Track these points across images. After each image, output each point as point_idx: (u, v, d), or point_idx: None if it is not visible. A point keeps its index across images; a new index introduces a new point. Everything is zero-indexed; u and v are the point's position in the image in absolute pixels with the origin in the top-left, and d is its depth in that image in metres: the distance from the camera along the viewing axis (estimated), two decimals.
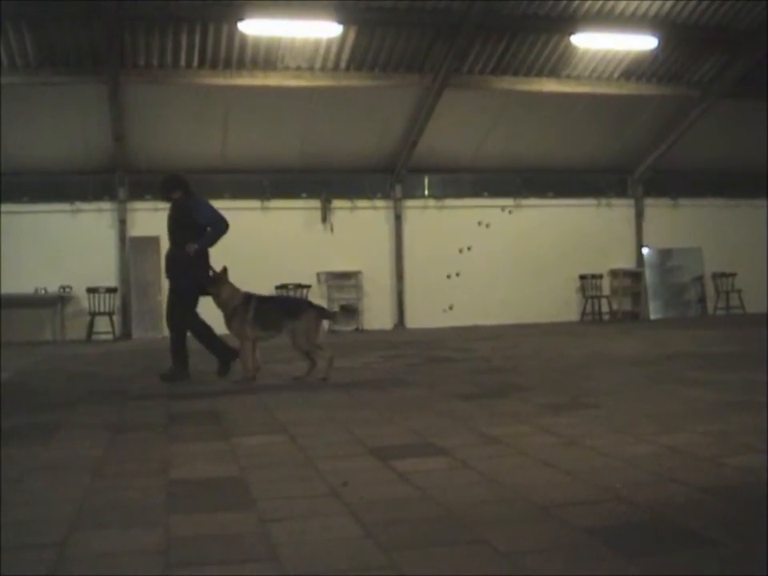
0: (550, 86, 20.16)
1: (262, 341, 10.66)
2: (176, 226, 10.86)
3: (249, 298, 10.52)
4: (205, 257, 10.88)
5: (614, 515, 4.26)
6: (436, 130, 20.58)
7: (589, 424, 6.87)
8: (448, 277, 22.36)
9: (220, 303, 10.57)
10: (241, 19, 17.05)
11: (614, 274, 23.27)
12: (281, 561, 3.71)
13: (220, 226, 10.88)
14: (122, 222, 20.72)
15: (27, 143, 19.09)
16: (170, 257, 10.96)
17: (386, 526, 4.15)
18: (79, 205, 20.26)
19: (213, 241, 10.89)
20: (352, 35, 18.18)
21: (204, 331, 10.84)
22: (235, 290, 10.68)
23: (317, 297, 21.17)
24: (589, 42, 18.77)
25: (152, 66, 18.42)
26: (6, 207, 19.11)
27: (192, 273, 10.66)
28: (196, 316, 10.88)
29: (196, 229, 10.73)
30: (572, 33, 18.47)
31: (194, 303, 10.86)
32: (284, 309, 10.68)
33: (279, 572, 3.58)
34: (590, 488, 4.79)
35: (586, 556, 3.68)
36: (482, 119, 20.97)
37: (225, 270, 10.79)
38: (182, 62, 18.38)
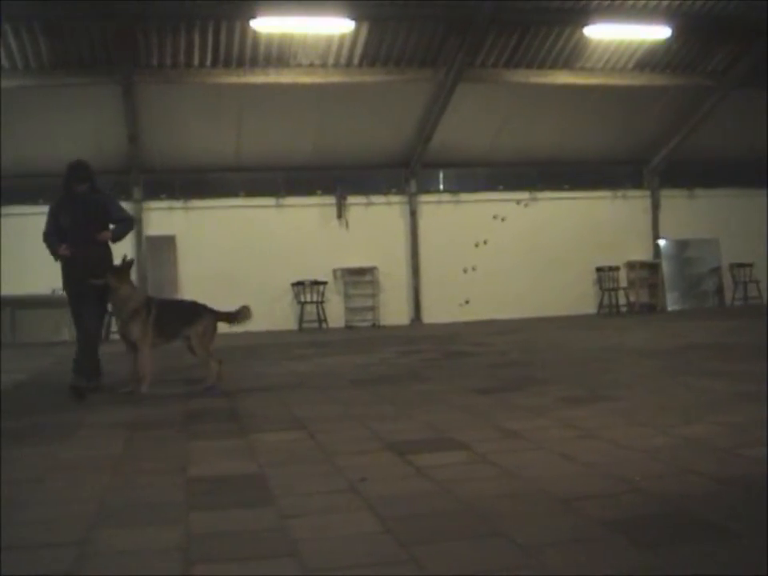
0: (563, 78, 20.12)
1: (154, 347, 9.70)
2: (91, 222, 9.69)
3: (149, 300, 9.78)
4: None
5: (632, 507, 4.25)
6: (450, 125, 20.56)
7: (607, 416, 6.86)
8: (464, 271, 22.36)
9: (116, 300, 9.57)
10: (253, 17, 17.08)
11: (631, 265, 23.22)
12: (301, 557, 3.71)
13: (131, 224, 10.36)
14: (138, 222, 20.78)
15: (42, 145, 19.16)
16: (94, 257, 9.60)
17: (405, 521, 4.15)
18: None
19: (121, 237, 10.04)
20: (364, 31, 18.18)
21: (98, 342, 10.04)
22: (135, 288, 10.02)
23: (333, 293, 21.33)
24: (602, 33, 18.74)
25: (165, 66, 18.48)
26: (22, 209, 19.20)
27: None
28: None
29: (104, 228, 9.86)
30: (585, 24, 18.43)
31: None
32: (181, 314, 9.88)
33: (299, 568, 3.58)
34: (608, 480, 4.78)
35: (605, 548, 3.68)
36: (495, 113, 20.95)
37: (129, 263, 9.96)
38: (195, 61, 18.42)
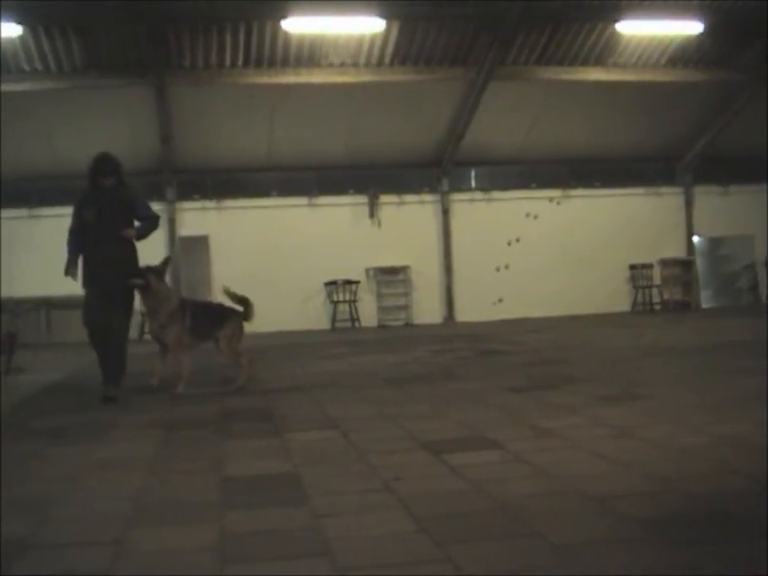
0: (595, 74, 20.04)
1: (188, 349, 9.72)
2: (116, 217, 9.34)
3: (183, 302, 9.74)
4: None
5: (668, 507, 4.21)
6: (482, 123, 20.54)
7: (641, 415, 6.82)
8: (497, 269, 22.32)
9: (154, 302, 9.40)
10: (284, 17, 17.16)
11: (665, 263, 23.08)
12: (335, 556, 3.71)
13: (157, 223, 9.86)
14: (171, 222, 20.94)
15: (76, 147, 19.25)
16: (120, 255, 9.29)
17: (440, 520, 4.14)
18: None
19: (146, 236, 9.63)
20: (395, 30, 18.19)
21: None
22: (170, 289, 9.92)
23: (366, 292, 21.33)
24: (634, 28, 18.66)
25: (197, 67, 18.59)
26: (57, 210, 19.30)
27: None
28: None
29: (129, 224, 9.51)
30: (617, 20, 18.35)
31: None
32: (212, 316, 9.89)
33: (334, 567, 3.58)
34: (643, 479, 4.75)
35: (640, 548, 3.65)
36: (527, 110, 20.91)
37: (168, 261, 9.91)
38: (227, 62, 18.52)
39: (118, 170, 9.50)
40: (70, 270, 9.36)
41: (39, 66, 17.93)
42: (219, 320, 9.75)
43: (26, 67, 17.95)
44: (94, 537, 4.17)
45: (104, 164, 9.47)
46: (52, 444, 6.75)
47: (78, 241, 9.38)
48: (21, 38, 17.04)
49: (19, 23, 16.47)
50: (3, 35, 16.80)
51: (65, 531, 4.29)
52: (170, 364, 9.64)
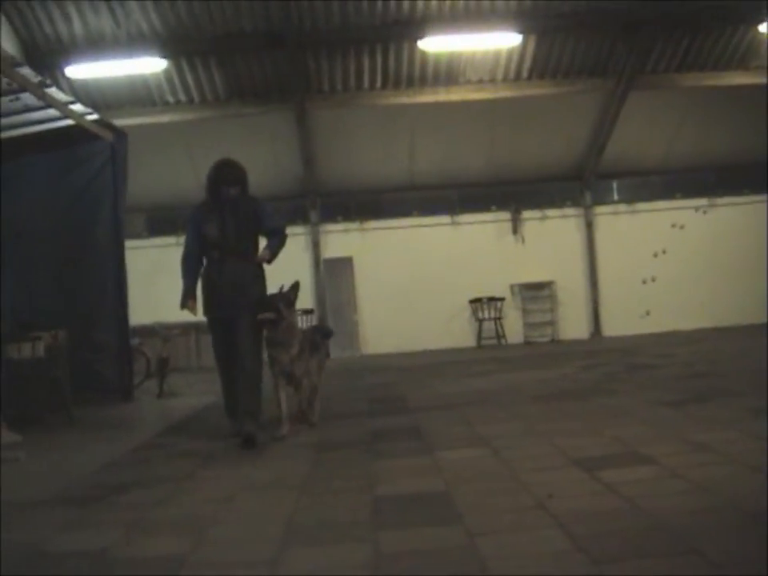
0: (738, 78, 19.53)
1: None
2: (242, 233, 8.24)
3: (310, 330, 9.00)
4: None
5: None
6: (623, 133, 20.27)
7: None
8: (643, 282, 21.93)
9: (282, 335, 8.13)
10: (420, 38, 17.26)
11: None
12: (491, 575, 3.70)
13: (285, 237, 8.50)
14: (316, 245, 21.25)
15: None
16: (247, 278, 8.23)
17: (596, 538, 4.09)
18: None
19: (278, 254, 8.38)
20: (532, 44, 18.13)
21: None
22: (296, 318, 8.81)
23: (511, 308, 21.23)
24: None
25: (336, 90, 18.85)
26: None
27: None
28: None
29: (255, 240, 8.44)
30: (760, 22, 17.87)
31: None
32: (314, 341, 8.91)
33: None
34: None
35: None
36: (670, 118, 20.54)
37: (296, 286, 8.40)
38: (366, 84, 18.72)
39: (243, 178, 8.40)
40: (186, 301, 8.33)
41: (183, 98, 18.46)
42: (317, 345, 8.96)
43: (170, 99, 18.51)
44: (249, 557, 4.26)
45: (228, 171, 8.39)
46: (205, 465, 6.93)
47: (195, 265, 8.38)
48: (165, 71, 17.61)
49: (163, 57, 17.03)
50: (148, 70, 17.42)
51: (220, 551, 4.40)
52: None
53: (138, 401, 12.67)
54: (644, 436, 6.76)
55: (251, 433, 7.68)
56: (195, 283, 8.32)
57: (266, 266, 8.43)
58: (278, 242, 8.32)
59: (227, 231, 8.16)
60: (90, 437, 9.31)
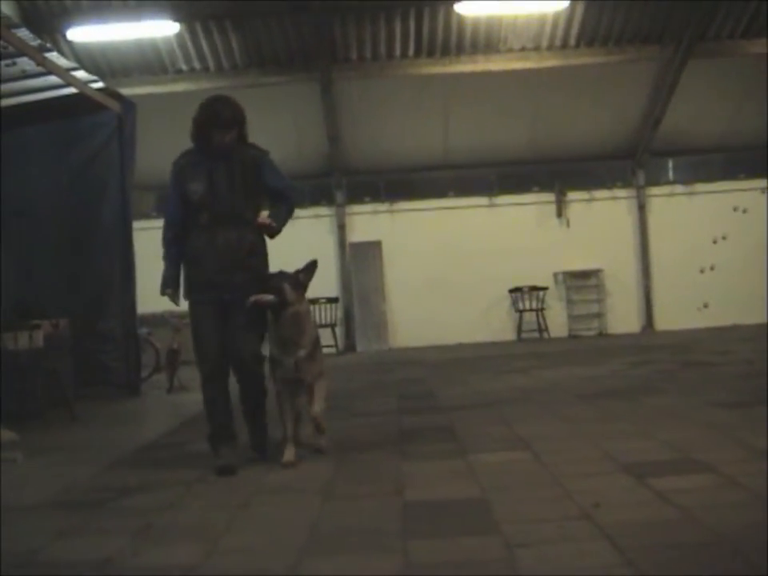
0: None
1: None
2: (239, 192, 6.88)
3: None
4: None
5: None
6: (680, 107, 20.13)
7: None
8: (701, 271, 21.79)
9: (289, 328, 6.67)
10: (458, 0, 17.16)
11: None
12: None
13: (296, 198, 7.49)
14: (341, 228, 21.25)
15: None
16: (243, 247, 6.82)
17: (647, 552, 4.05)
18: (297, 211, 20.82)
19: (285, 223, 7.04)
20: (581, 8, 18.03)
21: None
22: (310, 308, 7.49)
23: (554, 299, 21.19)
24: None
25: (365, 59, 18.83)
26: None
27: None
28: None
29: (259, 198, 7.08)
30: None
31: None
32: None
33: None
34: None
35: None
36: (733, 90, 20.36)
37: (312, 266, 6.94)
38: (397, 52, 18.70)
39: (240, 119, 6.95)
40: (167, 286, 6.99)
41: (197, 65, 18.48)
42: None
43: (184, 67, 18.55)
44: (265, 567, 4.25)
45: (220, 110, 6.86)
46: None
47: (179, 239, 6.98)
48: (177, 35, 17.61)
49: (175, 20, 17.00)
50: (159, 34, 17.39)
51: (233, 561, 4.38)
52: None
53: (146, 396, 12.75)
54: (699, 440, 6.73)
55: (225, 465, 6.61)
56: (179, 265, 6.99)
57: (280, 248, 7.47)
58: (287, 208, 7.10)
59: (218, 189, 6.82)
60: (92, 435, 9.37)
